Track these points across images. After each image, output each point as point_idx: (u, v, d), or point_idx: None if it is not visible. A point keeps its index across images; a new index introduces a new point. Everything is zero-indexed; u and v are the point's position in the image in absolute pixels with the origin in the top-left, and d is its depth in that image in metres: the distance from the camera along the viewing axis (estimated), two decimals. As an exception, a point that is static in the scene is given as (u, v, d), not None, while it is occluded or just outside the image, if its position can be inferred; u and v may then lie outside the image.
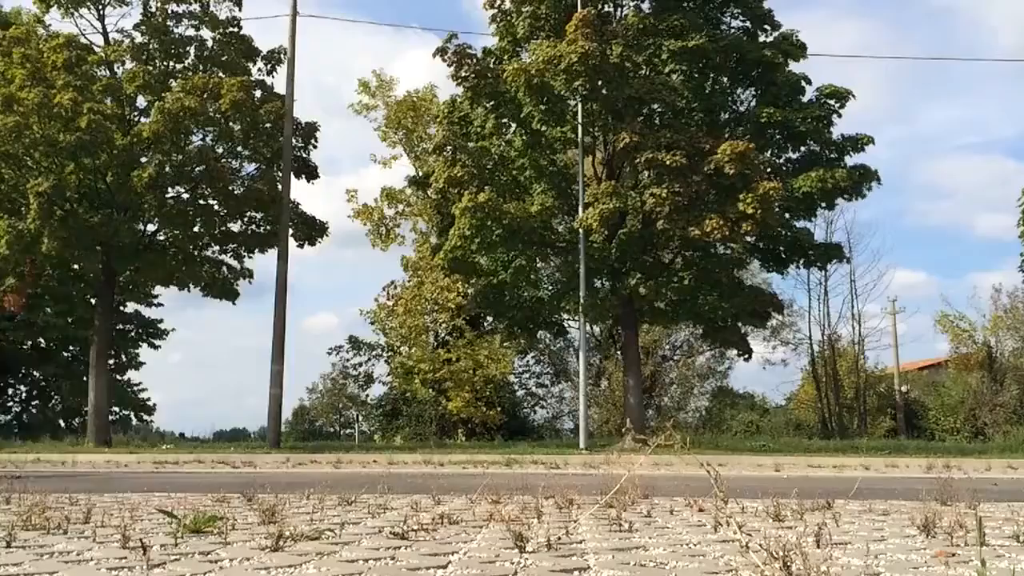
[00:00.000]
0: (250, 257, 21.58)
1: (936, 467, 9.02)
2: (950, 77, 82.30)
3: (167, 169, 19.14)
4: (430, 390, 29.39)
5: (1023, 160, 65.97)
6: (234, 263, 21.41)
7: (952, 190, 70.45)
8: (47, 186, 17.68)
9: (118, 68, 20.74)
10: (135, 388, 33.67)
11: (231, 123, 19.83)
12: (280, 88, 20.91)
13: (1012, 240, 60.32)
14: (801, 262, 19.77)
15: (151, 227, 20.53)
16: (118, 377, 31.85)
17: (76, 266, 21.05)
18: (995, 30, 73.49)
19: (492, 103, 18.39)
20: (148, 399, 34.08)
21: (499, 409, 29.63)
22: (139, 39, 20.68)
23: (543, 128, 18.25)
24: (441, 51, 18.30)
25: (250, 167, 21.26)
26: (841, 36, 70.16)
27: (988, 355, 30.59)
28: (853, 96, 18.61)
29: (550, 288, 20.84)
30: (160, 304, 29.55)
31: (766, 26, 19.36)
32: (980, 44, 71.80)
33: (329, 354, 35.34)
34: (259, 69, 21.59)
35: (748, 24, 19.47)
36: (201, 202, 20.26)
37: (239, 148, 20.71)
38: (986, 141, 74.11)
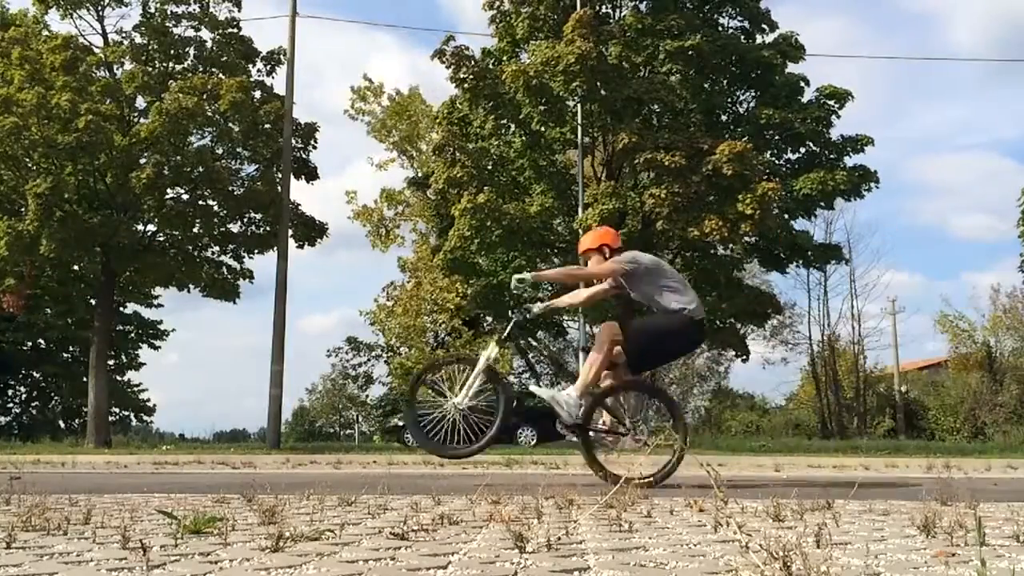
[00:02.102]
0: (250, 257, 21.60)
1: (936, 467, 9.01)
2: (932, 78, 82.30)
3: (166, 170, 19.13)
4: (430, 391, 29.37)
5: (1010, 160, 65.96)
6: (234, 264, 21.43)
7: (941, 190, 70.46)
8: (46, 187, 17.67)
9: (117, 69, 20.74)
10: (135, 389, 33.66)
11: (230, 124, 19.83)
12: (280, 89, 20.95)
13: (998, 240, 60.08)
14: (800, 263, 19.80)
15: (151, 228, 20.53)
16: (118, 378, 31.83)
17: (76, 267, 21.05)
18: (958, 31, 73.53)
19: (491, 104, 18.41)
20: (148, 400, 34.08)
21: (499, 409, 29.60)
22: (138, 40, 20.67)
23: (542, 129, 18.27)
24: (439, 53, 18.32)
25: (250, 168, 21.29)
26: (818, 34, 70.02)
27: (988, 355, 30.63)
28: (852, 97, 18.65)
29: (550, 288, 20.84)
30: (160, 305, 29.54)
31: (764, 26, 19.39)
32: (949, 45, 71.84)
33: (328, 355, 35.37)
34: (259, 70, 21.61)
35: (746, 24, 19.50)
36: (201, 203, 20.26)
37: (239, 149, 20.70)
38: (975, 143, 74.14)
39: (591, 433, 5.32)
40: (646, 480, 4.95)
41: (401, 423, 20.44)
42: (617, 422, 5.36)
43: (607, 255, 5.53)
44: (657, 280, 5.35)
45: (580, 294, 5.95)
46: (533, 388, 5.78)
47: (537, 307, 5.90)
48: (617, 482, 5.04)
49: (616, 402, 5.43)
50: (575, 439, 5.35)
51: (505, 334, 5.75)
